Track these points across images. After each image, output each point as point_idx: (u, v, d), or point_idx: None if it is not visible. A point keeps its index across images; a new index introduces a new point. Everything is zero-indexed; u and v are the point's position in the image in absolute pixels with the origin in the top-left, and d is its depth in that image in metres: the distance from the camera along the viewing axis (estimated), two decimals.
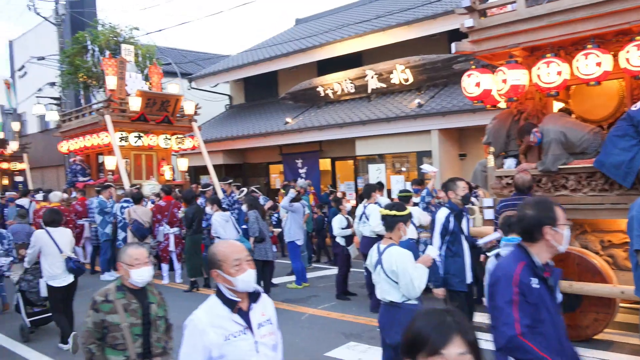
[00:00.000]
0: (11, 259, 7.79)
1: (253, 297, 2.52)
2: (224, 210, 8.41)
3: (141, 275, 3.28)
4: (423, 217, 7.19)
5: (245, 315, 2.46)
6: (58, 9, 20.04)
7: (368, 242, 7.52)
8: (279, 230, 10.09)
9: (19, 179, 20.19)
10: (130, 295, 3.30)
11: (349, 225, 8.36)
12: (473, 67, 6.32)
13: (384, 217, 4.01)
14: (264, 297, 2.58)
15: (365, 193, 8.09)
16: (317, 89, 15.40)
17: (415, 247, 7.09)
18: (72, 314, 6.50)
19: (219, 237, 7.70)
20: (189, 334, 2.38)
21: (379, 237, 7.47)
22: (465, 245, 5.26)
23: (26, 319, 6.84)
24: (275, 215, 10.86)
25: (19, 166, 20.20)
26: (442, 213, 5.19)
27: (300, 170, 15.62)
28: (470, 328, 1.46)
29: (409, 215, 4.04)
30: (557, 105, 6.49)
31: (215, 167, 14.44)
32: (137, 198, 9.91)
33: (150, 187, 12.51)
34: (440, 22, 12.34)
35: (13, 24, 59.25)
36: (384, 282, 3.90)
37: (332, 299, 8.25)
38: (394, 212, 3.96)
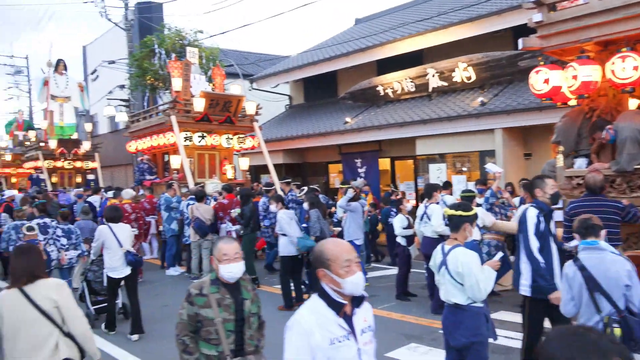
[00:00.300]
0: (79, 252, 8.21)
1: (356, 301, 2.39)
2: (287, 208, 8.48)
3: (230, 271, 3.17)
4: (487, 218, 6.98)
5: (349, 319, 2.33)
6: (127, 15, 20.89)
7: (429, 243, 7.42)
8: (339, 229, 10.07)
9: (90, 177, 21.23)
10: (224, 290, 3.19)
11: (409, 225, 8.26)
12: (542, 63, 6.09)
13: (450, 217, 3.92)
14: (366, 302, 2.47)
15: (427, 193, 7.96)
16: (377, 88, 15.31)
17: (478, 249, 6.92)
18: (138, 303, 6.85)
19: (284, 235, 7.78)
20: (295, 334, 2.26)
21: (441, 238, 7.35)
22: (554, 248, 4.73)
23: (91, 307, 7.29)
24: (336, 215, 10.88)
25: (90, 165, 21.23)
26: (532, 212, 4.68)
27: (360, 170, 15.57)
28: (624, 347, 1.29)
29: (475, 216, 3.93)
30: (632, 103, 6.15)
31: (275, 166, 14.66)
32: (200, 196, 10.16)
33: (212, 185, 12.84)
34: (505, 18, 11.98)
35: (86, 31, 62.38)
36: (449, 283, 3.82)
37: (391, 299, 8.18)
38: (460, 212, 3.86)
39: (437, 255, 4.00)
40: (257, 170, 18.47)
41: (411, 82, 14.40)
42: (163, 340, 6.49)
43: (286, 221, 7.79)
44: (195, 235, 9.83)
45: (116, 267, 6.67)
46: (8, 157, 27.62)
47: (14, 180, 27.57)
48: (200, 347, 3.17)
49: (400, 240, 8.26)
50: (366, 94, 15.75)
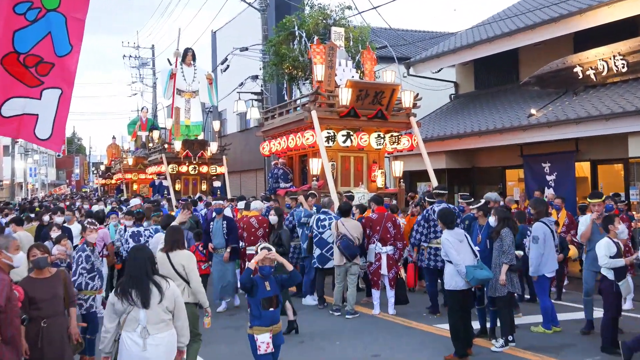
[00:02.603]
0: None
1: None
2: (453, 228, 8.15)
3: None
4: None
5: None
6: None
7: None
8: (521, 253, 9.48)
9: (216, 184, 22.54)
10: None
11: (619, 253, 7.64)
12: None
13: None
14: None
15: None
16: (574, 70, 14.54)
17: None
18: None
19: (449, 262, 7.50)
20: None
21: None
22: None
23: None
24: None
25: (218, 170, 22.63)
26: None
27: (548, 177, 14.93)
28: None
29: None
30: None
31: (437, 171, 14.46)
32: (345, 209, 10.26)
33: (359, 195, 12.93)
34: None
35: (216, 14, 67.07)
36: None
37: (595, 352, 7.65)
38: None
39: None
40: (413, 177, 18.42)
41: (622, 59, 13.46)
42: None
43: (452, 244, 7.52)
44: (342, 258, 9.85)
45: None
46: (130, 161, 30.46)
47: (135, 187, 30.35)
48: None
49: (606, 272, 7.68)
50: (559, 78, 15.04)
